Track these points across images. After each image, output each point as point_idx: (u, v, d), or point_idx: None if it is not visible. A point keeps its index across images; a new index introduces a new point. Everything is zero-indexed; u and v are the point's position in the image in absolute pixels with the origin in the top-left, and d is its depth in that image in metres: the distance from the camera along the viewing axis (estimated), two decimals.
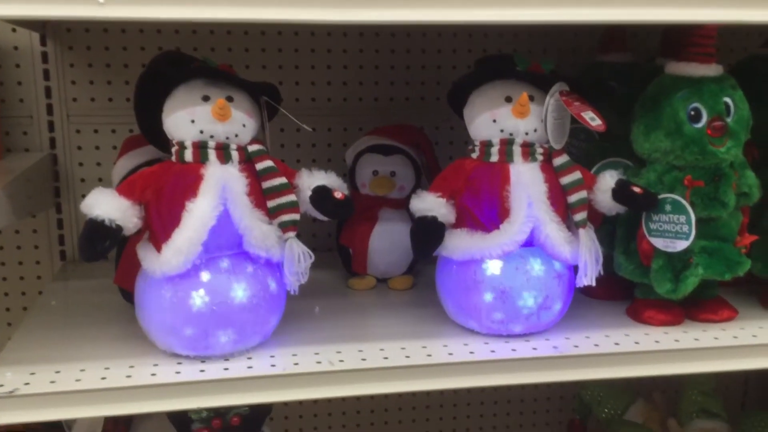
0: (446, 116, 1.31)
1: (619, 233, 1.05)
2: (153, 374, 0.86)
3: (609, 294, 1.09)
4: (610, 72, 1.19)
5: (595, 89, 1.14)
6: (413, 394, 1.49)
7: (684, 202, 0.96)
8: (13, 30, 1.21)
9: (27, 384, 0.82)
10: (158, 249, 0.86)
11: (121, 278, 1.00)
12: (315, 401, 1.46)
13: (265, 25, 1.25)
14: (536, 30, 1.35)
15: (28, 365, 0.87)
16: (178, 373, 0.86)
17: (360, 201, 1.15)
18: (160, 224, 0.86)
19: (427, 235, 0.96)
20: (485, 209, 0.94)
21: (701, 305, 1.03)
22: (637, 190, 0.97)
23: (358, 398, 1.47)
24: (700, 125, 0.96)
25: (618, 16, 0.85)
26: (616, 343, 0.96)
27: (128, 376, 0.85)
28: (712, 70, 0.98)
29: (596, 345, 0.95)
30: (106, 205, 0.84)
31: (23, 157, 1.19)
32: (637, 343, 0.96)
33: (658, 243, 0.98)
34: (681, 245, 0.97)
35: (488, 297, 0.94)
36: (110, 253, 0.86)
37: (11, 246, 1.28)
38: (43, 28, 1.21)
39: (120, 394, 0.83)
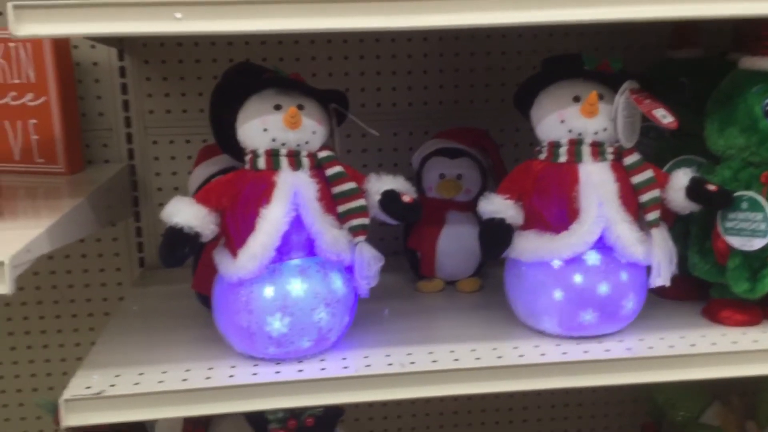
0: (511, 118, 1.30)
1: (693, 232, 1.03)
2: (231, 376, 0.88)
3: (683, 294, 1.07)
4: (680, 68, 1.16)
5: (666, 86, 1.13)
6: (482, 397, 1.49)
7: (761, 199, 0.94)
8: (93, 46, 1.26)
9: (112, 386, 0.86)
10: (234, 254, 0.89)
11: (199, 283, 1.04)
12: (384, 403, 1.47)
13: (331, 33, 1.27)
14: (603, 28, 1.34)
15: (113, 368, 0.91)
16: (254, 374, 0.88)
17: (427, 204, 1.15)
18: (235, 230, 0.89)
19: (496, 237, 0.96)
20: (554, 210, 0.94)
21: None
22: (711, 187, 0.95)
23: (427, 400, 1.48)
24: None
25: (689, 11, 0.83)
26: (692, 344, 0.94)
27: (207, 378, 0.88)
28: None
29: (671, 346, 0.93)
30: (185, 212, 0.87)
31: (103, 169, 1.25)
32: (714, 344, 0.94)
33: (734, 242, 0.96)
34: (758, 243, 0.94)
35: (559, 298, 0.93)
36: (188, 259, 0.90)
37: (93, 254, 1.34)
38: (121, 43, 1.26)
39: (200, 395, 0.85)
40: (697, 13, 0.83)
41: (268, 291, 0.88)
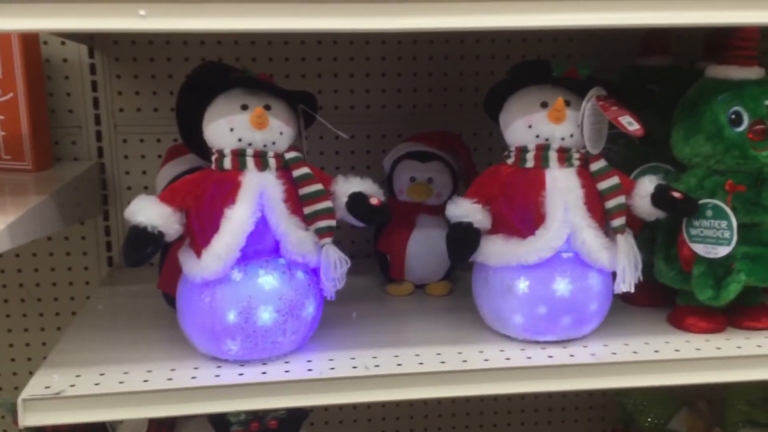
0: (485, 122, 1.30)
1: (659, 239, 1.03)
2: (193, 377, 0.87)
3: (649, 301, 1.08)
4: (650, 76, 1.17)
5: (636, 93, 1.14)
6: (453, 401, 1.49)
7: (725, 207, 0.95)
8: (63, 43, 1.25)
9: (72, 386, 0.85)
10: (198, 254, 0.88)
11: (164, 283, 1.03)
12: (354, 406, 1.47)
13: (305, 34, 1.27)
14: (575, 34, 1.34)
15: (74, 368, 0.90)
16: (217, 376, 0.88)
17: (397, 207, 1.16)
18: (200, 230, 0.88)
19: (463, 241, 0.96)
20: (521, 215, 0.94)
21: (744, 312, 1.01)
22: (676, 195, 0.95)
23: (397, 404, 1.48)
24: (741, 129, 0.95)
25: (657, 19, 0.84)
26: (656, 351, 0.94)
27: (169, 379, 0.87)
28: (754, 72, 0.96)
29: (635, 352, 0.94)
30: (149, 211, 0.86)
31: (72, 166, 1.23)
32: (677, 350, 0.95)
33: (699, 249, 0.97)
34: (723, 251, 0.95)
35: (524, 303, 0.93)
36: (154, 258, 0.89)
37: (61, 252, 1.32)
38: (91, 40, 1.24)
39: (161, 396, 0.85)
40: (666, 21, 0.84)
41: (233, 292, 0.87)
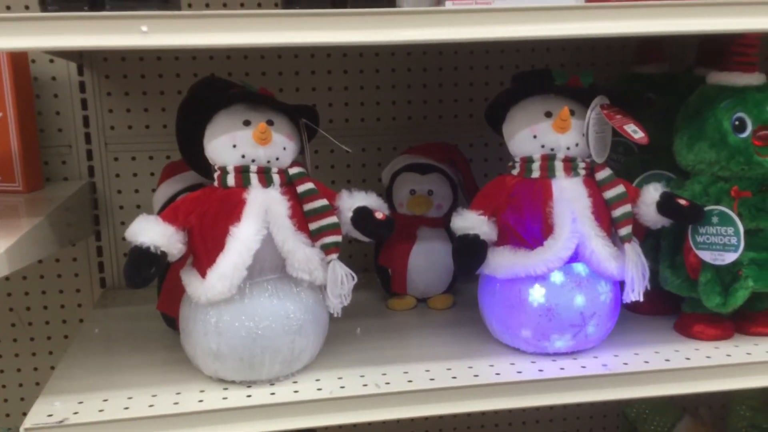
0: (480, 133, 1.31)
1: (664, 247, 1.03)
2: (200, 400, 0.85)
3: (655, 309, 1.07)
4: (646, 83, 1.17)
5: (633, 101, 1.13)
6: (454, 416, 1.47)
7: (731, 213, 0.94)
8: (51, 61, 1.22)
9: (76, 413, 0.82)
10: (202, 274, 0.86)
11: (164, 304, 1.01)
12: (354, 425, 1.45)
13: (299, 48, 1.26)
14: (569, 44, 1.35)
15: (76, 394, 0.87)
16: (225, 398, 0.86)
17: (397, 220, 1.13)
18: (203, 249, 0.86)
19: (470, 253, 0.95)
20: (528, 226, 0.93)
21: (752, 318, 1.00)
22: (682, 202, 0.95)
23: (397, 421, 1.46)
24: (745, 135, 0.95)
25: (657, 27, 0.84)
26: (667, 360, 0.94)
27: (176, 403, 0.85)
28: (756, 78, 0.97)
29: (646, 362, 0.93)
30: (151, 231, 0.84)
31: (62, 186, 1.20)
32: (688, 358, 0.94)
33: (706, 256, 0.96)
34: (730, 258, 0.95)
35: (534, 315, 0.92)
36: (154, 280, 0.87)
37: (52, 275, 1.29)
38: (80, 58, 1.22)
39: (168, 421, 0.82)
40: (666, 29, 0.84)
41: (239, 312, 0.85)
